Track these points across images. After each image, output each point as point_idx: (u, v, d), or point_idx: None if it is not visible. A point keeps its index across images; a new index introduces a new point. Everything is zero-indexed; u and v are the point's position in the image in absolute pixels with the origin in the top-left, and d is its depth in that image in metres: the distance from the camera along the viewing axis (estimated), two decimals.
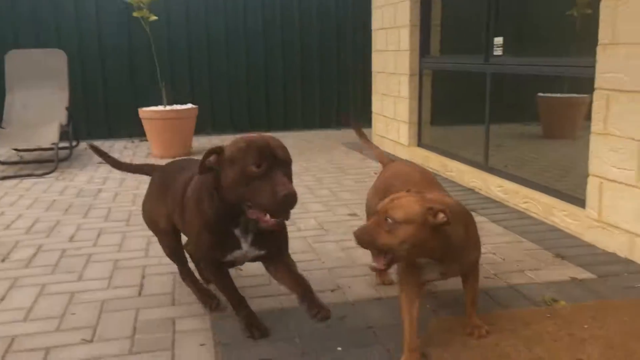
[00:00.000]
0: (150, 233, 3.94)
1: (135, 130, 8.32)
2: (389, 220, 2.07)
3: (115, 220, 4.33)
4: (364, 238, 2.11)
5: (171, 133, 6.85)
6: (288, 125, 9.01)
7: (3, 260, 3.51)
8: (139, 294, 3.00)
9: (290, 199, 2.08)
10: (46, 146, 6.45)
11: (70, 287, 3.09)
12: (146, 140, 8.10)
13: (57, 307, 2.84)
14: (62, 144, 6.55)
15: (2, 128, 6.64)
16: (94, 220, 4.35)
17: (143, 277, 3.22)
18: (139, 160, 6.80)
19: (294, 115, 9.04)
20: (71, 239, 3.92)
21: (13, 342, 2.50)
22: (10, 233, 4.06)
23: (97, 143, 8.00)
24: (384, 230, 2.07)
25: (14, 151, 7.11)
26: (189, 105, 7.26)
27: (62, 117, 6.71)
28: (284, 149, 2.23)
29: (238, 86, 8.79)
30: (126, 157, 6.96)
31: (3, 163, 6.53)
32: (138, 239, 3.87)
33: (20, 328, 2.63)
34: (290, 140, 8.00)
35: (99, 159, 6.81)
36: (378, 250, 2.13)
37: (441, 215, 2.04)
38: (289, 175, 2.19)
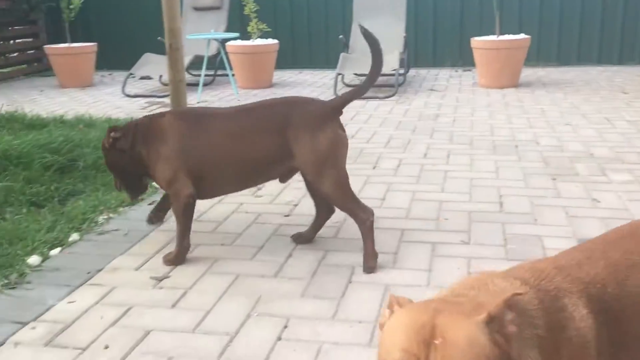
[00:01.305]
0: (498, 157, 4.19)
1: (460, 60, 8.58)
2: None
3: (459, 143, 4.68)
4: None
5: (501, 63, 6.92)
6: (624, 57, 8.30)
7: (374, 168, 4.13)
8: (500, 209, 3.29)
9: None
10: (387, 72, 7.10)
11: (436, 197, 3.53)
12: (469, 70, 8.32)
13: (430, 211, 3.29)
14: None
15: (349, 54, 7.50)
16: (440, 142, 4.76)
17: (500, 195, 3.50)
18: (465, 90, 7.07)
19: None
20: (425, 155, 4.39)
21: (403, 234, 3.01)
22: (372, 146, 4.71)
23: (423, 72, 8.50)
24: None
25: (354, 75, 8.01)
26: (522, 36, 7.19)
27: (400, 45, 7.28)
28: None
29: (570, 17, 8.33)
30: (453, 87, 7.29)
31: (348, 85, 7.43)
32: (486, 162, 4.15)
33: (405, 224, 3.14)
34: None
35: (430, 86, 7.29)
36: None
37: None
38: None
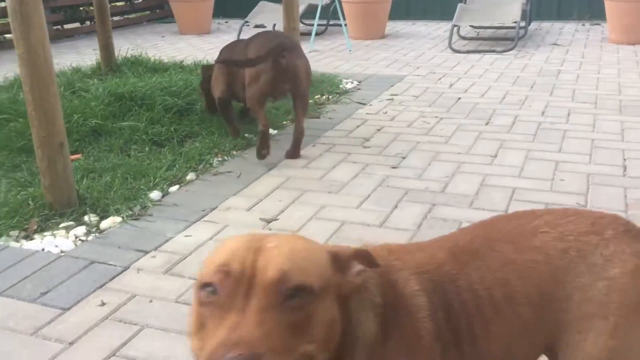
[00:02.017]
0: (625, 118, 3.91)
1: (588, 12, 7.99)
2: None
3: (582, 102, 4.39)
4: None
5: (636, 17, 6.34)
6: None
7: (487, 124, 3.98)
8: (623, 173, 3.08)
9: None
10: (508, 24, 6.75)
11: (552, 156, 3.35)
12: (598, 24, 7.72)
13: (545, 171, 3.14)
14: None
15: (466, 4, 7.19)
16: (561, 99, 4.49)
17: (624, 159, 3.27)
18: (592, 45, 6.58)
19: None
20: (543, 113, 4.17)
21: (514, 192, 2.91)
22: (486, 101, 4.53)
23: (546, 25, 7.99)
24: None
25: (470, 28, 7.68)
26: None
27: None
28: None
29: None
30: (579, 42, 6.81)
31: (464, 38, 7.14)
32: (610, 123, 3.88)
33: (517, 182, 3.02)
34: None
35: (552, 40, 6.85)
36: None
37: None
38: None
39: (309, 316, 0.90)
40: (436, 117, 4.16)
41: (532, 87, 4.88)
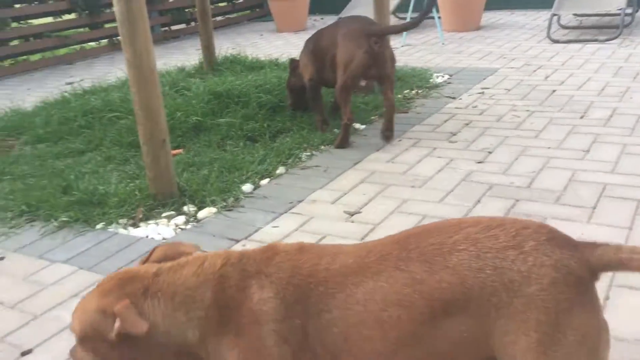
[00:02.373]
0: None
1: None
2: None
3: None
4: None
5: None
6: None
7: (582, 117, 3.86)
8: None
9: None
10: (613, 11, 6.42)
11: None
12: None
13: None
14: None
15: None
16: None
17: None
18: None
19: None
20: None
21: (605, 188, 2.83)
22: (583, 94, 4.38)
23: None
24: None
25: (572, 16, 7.36)
26: None
27: None
28: None
29: None
30: None
31: (564, 27, 6.87)
32: None
33: (609, 178, 2.93)
34: None
35: None
36: None
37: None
38: None
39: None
40: (528, 110, 4.08)
41: (634, 78, 4.64)
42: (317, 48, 3.90)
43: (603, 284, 2.02)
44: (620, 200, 2.70)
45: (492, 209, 2.72)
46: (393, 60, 3.69)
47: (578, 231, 2.45)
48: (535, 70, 5.15)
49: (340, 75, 3.58)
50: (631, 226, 2.46)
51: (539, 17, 7.84)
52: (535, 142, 3.49)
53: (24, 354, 2.02)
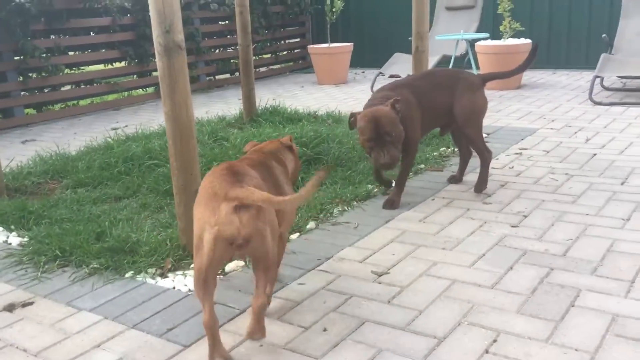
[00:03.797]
0: None
1: None
2: None
3: None
4: None
5: None
6: None
7: (622, 184, 3.76)
8: None
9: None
10: None
11: None
12: None
13: None
14: None
15: (612, 54, 6.84)
16: None
17: None
18: None
19: None
20: None
21: None
22: (625, 158, 4.27)
23: None
24: None
25: (616, 77, 7.27)
26: None
27: None
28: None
29: None
30: None
31: (607, 89, 6.78)
32: None
33: None
34: None
35: None
36: None
37: None
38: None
39: None
40: (566, 174, 4.00)
41: None
42: (423, 100, 3.61)
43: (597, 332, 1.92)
44: None
45: (525, 276, 2.64)
46: None
47: (614, 306, 2.35)
48: (575, 133, 5.08)
49: (475, 120, 3.71)
50: None
51: (582, 78, 7.77)
52: (572, 207, 3.41)
53: None
